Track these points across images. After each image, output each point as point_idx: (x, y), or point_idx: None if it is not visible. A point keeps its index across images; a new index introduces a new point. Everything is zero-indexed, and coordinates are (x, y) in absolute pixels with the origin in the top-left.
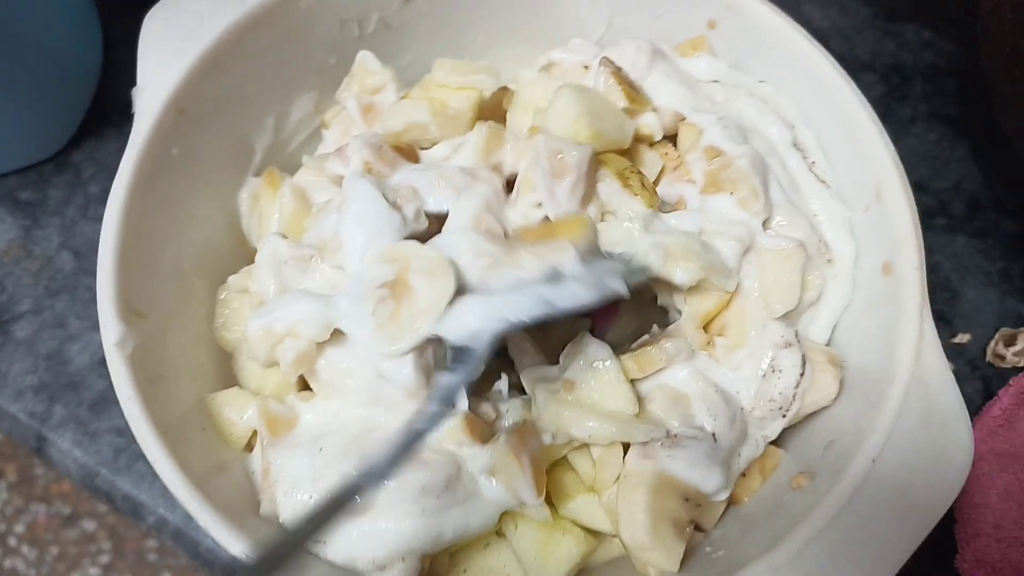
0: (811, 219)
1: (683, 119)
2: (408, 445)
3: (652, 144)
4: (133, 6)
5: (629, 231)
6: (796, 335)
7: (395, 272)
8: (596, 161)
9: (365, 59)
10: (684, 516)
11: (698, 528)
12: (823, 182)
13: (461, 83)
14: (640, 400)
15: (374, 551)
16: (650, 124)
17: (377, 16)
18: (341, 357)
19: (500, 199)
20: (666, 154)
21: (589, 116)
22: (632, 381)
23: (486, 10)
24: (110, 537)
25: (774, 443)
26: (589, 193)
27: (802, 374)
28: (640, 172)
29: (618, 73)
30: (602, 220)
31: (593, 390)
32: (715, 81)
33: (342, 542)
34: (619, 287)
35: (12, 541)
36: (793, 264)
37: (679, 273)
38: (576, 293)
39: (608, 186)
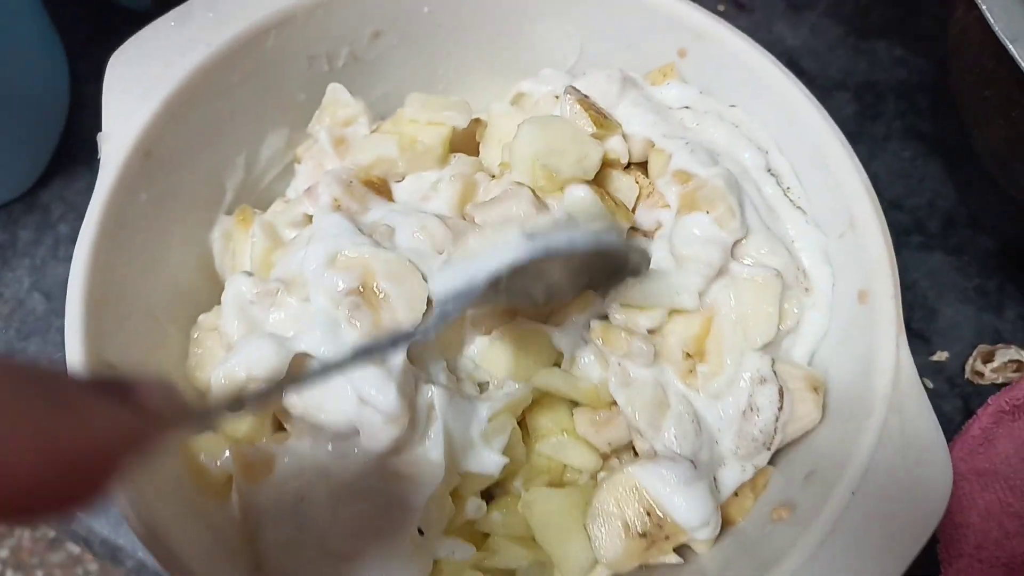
0: (789, 245)
1: (653, 146)
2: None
3: (625, 168)
4: (100, 41)
5: None
6: (772, 365)
7: (359, 279)
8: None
9: (336, 91)
10: (640, 528)
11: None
12: (799, 208)
13: (431, 119)
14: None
15: None
16: (616, 148)
17: (347, 50)
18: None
19: None
20: (637, 181)
21: (545, 156)
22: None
23: (457, 42)
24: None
25: None
26: None
27: (780, 408)
28: (610, 194)
29: (584, 100)
30: None
31: None
32: (686, 107)
33: None
34: (614, 238)
35: None
36: (770, 294)
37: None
38: (563, 235)
39: None
